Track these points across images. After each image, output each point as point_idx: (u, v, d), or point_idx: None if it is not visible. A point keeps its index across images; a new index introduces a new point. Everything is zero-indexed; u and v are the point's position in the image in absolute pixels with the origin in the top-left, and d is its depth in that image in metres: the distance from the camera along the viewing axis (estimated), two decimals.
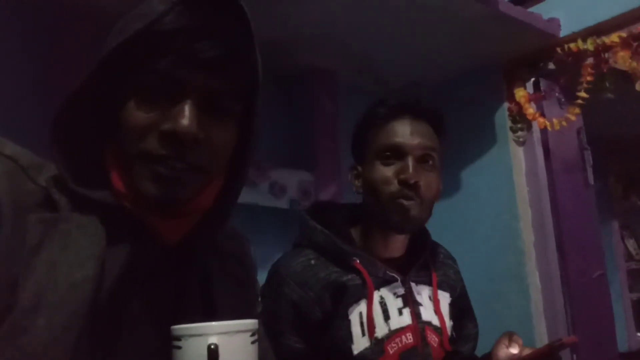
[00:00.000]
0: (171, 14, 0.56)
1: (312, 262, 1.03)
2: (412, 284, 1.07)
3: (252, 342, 0.54)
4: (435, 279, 1.10)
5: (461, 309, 1.16)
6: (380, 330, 1.00)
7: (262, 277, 0.95)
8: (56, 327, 0.50)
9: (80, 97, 0.58)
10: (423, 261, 1.10)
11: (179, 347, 0.52)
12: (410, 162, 1.01)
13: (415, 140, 1.03)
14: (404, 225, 1.04)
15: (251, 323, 0.55)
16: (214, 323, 0.53)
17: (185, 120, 0.55)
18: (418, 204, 1.01)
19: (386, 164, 1.03)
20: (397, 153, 1.03)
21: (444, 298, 1.11)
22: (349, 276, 1.02)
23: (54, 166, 0.59)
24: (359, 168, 1.09)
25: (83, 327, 0.52)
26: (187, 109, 0.56)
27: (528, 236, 2.32)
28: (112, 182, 0.59)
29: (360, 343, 0.99)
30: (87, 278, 0.53)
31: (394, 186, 1.01)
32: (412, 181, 1.00)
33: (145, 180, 0.57)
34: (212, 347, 0.51)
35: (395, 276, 1.05)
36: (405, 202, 1.00)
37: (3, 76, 1.66)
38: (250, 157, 0.65)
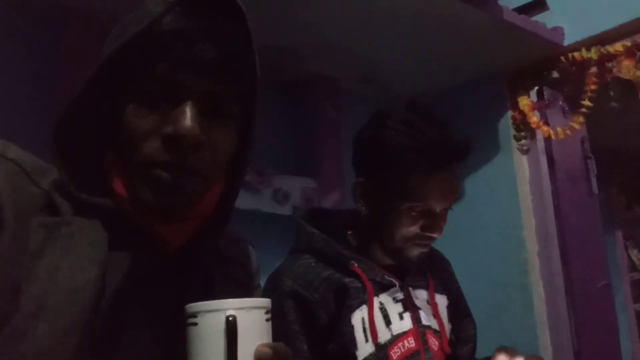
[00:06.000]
0: (168, 16, 0.55)
1: (313, 263, 1.03)
2: (410, 289, 1.07)
3: (267, 320, 0.55)
4: (431, 283, 1.11)
5: (458, 310, 1.16)
6: (383, 336, 1.00)
7: (263, 283, 0.94)
8: (58, 331, 0.50)
9: (80, 104, 0.57)
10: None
11: (195, 324, 0.52)
12: (438, 219, 1.01)
13: (448, 203, 1.01)
14: (411, 265, 1.05)
15: (266, 301, 0.55)
16: (230, 299, 0.53)
17: (187, 122, 0.55)
18: (430, 245, 1.04)
19: (413, 218, 1.00)
20: (427, 213, 1.00)
21: (442, 301, 1.12)
22: (349, 279, 1.02)
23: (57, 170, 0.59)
24: (365, 185, 1.05)
25: (84, 331, 0.51)
26: (188, 111, 0.55)
27: (532, 245, 2.31)
28: (114, 188, 0.58)
29: (364, 349, 0.98)
30: (88, 282, 0.52)
31: (414, 232, 1.00)
32: (436, 236, 1.01)
33: (146, 187, 0.56)
34: (231, 318, 0.51)
35: (394, 281, 1.05)
36: (424, 249, 1.03)
37: (7, 78, 1.66)
38: (248, 159, 0.64)
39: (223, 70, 0.57)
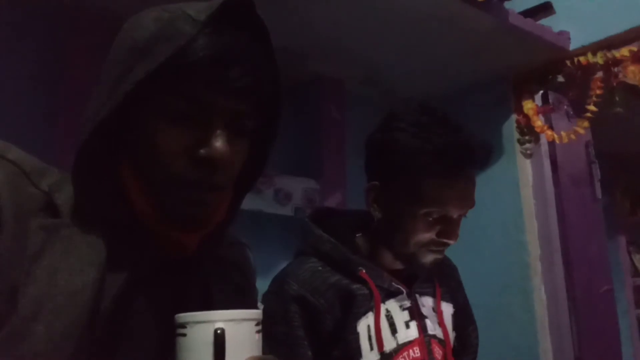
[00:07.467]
0: (201, 39, 0.55)
1: (320, 268, 1.01)
2: (417, 295, 1.05)
3: (257, 332, 0.54)
4: (439, 290, 1.09)
5: (464, 319, 1.14)
6: (388, 345, 0.98)
7: (263, 284, 0.93)
8: (55, 334, 0.49)
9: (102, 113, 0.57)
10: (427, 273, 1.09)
11: (184, 335, 0.51)
12: (454, 225, 0.99)
13: (465, 209, 0.99)
14: (424, 271, 1.04)
15: (257, 312, 0.55)
16: (219, 311, 0.52)
17: (222, 147, 0.56)
18: (444, 251, 1.02)
19: (429, 224, 0.97)
20: (444, 219, 0.98)
21: (447, 309, 1.10)
22: (357, 285, 1.00)
23: (57, 171, 0.58)
24: (379, 189, 1.01)
25: (82, 334, 0.51)
26: (222, 134, 0.57)
27: (534, 250, 2.31)
28: (131, 200, 0.59)
29: (368, 358, 0.96)
30: (87, 284, 0.52)
31: (429, 238, 0.98)
32: (452, 242, 0.99)
33: (174, 204, 0.57)
34: (219, 331, 0.50)
35: (401, 288, 1.03)
36: (438, 256, 1.01)
37: (11, 77, 1.67)
38: (260, 172, 0.67)
39: (251, 91, 0.58)
